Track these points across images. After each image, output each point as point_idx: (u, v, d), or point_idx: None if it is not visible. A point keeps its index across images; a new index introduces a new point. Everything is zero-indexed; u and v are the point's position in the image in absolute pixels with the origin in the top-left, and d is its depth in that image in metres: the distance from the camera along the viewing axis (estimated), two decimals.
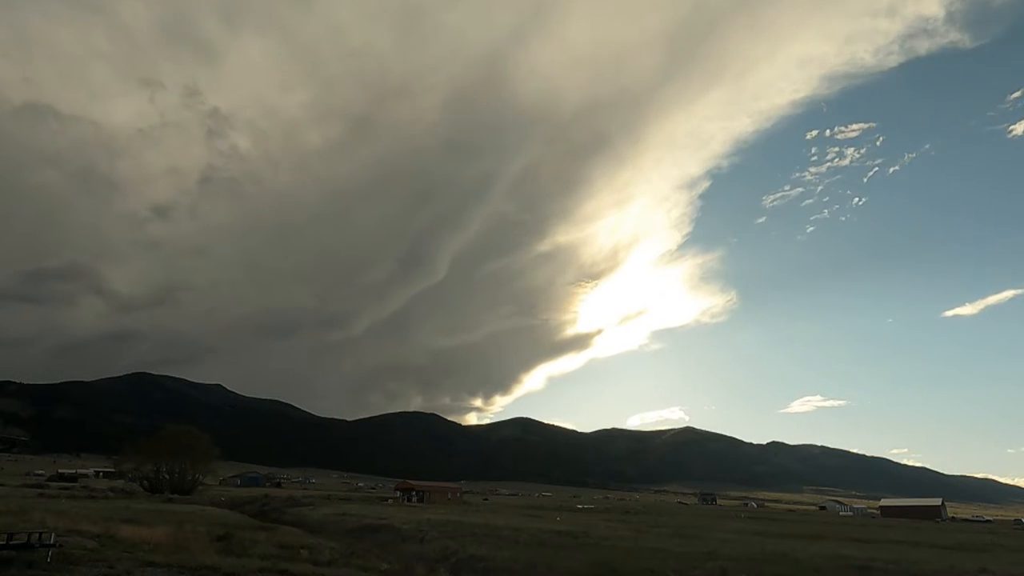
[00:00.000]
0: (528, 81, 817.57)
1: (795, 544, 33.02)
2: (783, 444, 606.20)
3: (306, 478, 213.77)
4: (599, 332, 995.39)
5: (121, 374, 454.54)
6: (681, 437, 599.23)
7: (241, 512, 44.81)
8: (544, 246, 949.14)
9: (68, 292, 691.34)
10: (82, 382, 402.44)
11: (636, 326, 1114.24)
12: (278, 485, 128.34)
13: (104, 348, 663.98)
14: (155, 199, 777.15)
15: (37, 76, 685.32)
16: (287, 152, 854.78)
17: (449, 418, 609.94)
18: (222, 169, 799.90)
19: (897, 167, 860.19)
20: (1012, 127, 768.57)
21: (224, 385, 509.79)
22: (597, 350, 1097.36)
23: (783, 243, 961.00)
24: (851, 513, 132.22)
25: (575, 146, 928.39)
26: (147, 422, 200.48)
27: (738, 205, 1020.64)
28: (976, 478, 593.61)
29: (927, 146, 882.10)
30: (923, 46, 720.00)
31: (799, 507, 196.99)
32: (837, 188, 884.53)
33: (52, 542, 14.57)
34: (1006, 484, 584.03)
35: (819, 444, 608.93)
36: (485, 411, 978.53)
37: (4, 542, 14.00)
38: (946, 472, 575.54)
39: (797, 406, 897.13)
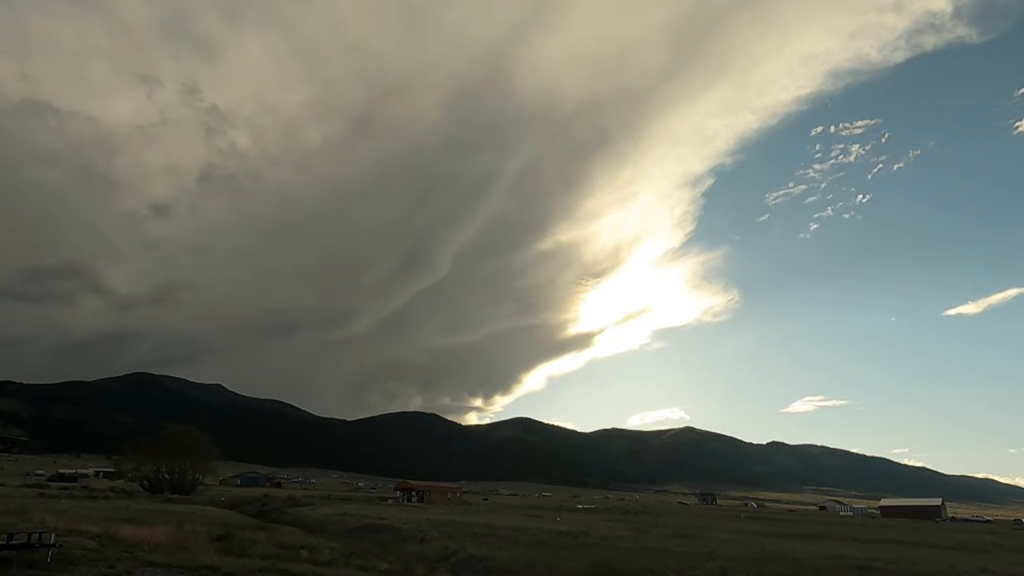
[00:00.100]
0: (529, 78, 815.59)
1: (795, 544, 33.01)
2: (783, 444, 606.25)
3: (306, 478, 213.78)
4: (600, 331, 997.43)
5: (121, 374, 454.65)
6: (681, 437, 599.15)
7: (241, 512, 44.81)
8: (545, 244, 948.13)
9: (67, 291, 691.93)
10: (82, 382, 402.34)
11: (637, 325, 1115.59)
12: (278, 485, 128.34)
13: (104, 348, 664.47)
14: (154, 197, 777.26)
15: (35, 72, 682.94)
16: (287, 150, 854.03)
17: (449, 418, 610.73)
18: (221, 167, 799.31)
19: (901, 164, 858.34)
20: (1018, 123, 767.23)
21: (224, 385, 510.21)
22: (598, 349, 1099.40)
23: (786, 241, 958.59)
24: (851, 513, 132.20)
25: (577, 143, 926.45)
26: (147, 422, 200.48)
27: (741, 203, 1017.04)
28: (976, 478, 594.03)
29: (932, 143, 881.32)
30: (930, 41, 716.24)
31: (799, 507, 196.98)
32: (841, 185, 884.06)
33: (52, 542, 14.57)
34: (1006, 484, 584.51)
35: (819, 444, 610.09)
36: (485, 411, 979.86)
37: (4, 542, 13.99)
38: (946, 472, 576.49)
39: (798, 406, 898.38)
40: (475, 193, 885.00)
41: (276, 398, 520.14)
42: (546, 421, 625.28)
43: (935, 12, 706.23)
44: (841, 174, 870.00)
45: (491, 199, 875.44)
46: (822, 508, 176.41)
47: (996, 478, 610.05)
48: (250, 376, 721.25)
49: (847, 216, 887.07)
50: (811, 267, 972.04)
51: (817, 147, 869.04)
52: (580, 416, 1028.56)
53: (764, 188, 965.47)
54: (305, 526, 37.68)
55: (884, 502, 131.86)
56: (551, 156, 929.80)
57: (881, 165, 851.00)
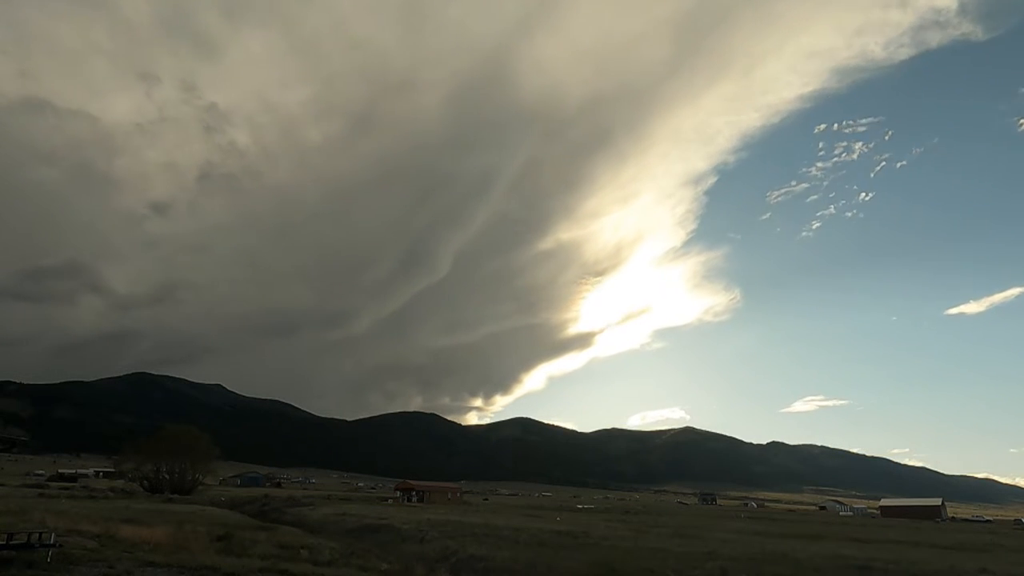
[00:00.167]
0: (532, 75, 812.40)
1: (795, 544, 33.01)
2: (783, 444, 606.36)
3: (306, 478, 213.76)
4: (601, 331, 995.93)
5: (121, 374, 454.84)
6: (681, 437, 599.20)
7: (241, 512, 44.81)
8: (546, 244, 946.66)
9: (67, 291, 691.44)
10: (82, 382, 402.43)
11: (638, 325, 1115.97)
12: (278, 485, 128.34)
13: (104, 348, 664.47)
14: (154, 196, 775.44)
15: (34, 70, 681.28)
16: (287, 148, 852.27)
17: (449, 418, 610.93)
18: (221, 165, 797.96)
19: (905, 162, 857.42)
20: (1022, 121, 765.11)
21: (224, 385, 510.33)
22: (599, 349, 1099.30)
23: (788, 240, 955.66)
24: (851, 513, 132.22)
25: (579, 142, 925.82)
26: (147, 422, 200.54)
27: (744, 201, 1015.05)
28: (976, 478, 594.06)
29: (936, 140, 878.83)
30: (934, 38, 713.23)
31: (799, 507, 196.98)
32: (844, 183, 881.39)
33: (52, 542, 14.58)
34: (1006, 484, 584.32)
35: (819, 444, 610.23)
36: (485, 411, 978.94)
37: (4, 542, 14.00)
38: (946, 472, 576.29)
39: (799, 405, 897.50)
40: (476, 192, 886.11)
41: (276, 398, 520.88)
42: (546, 421, 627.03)
43: (940, 8, 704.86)
44: (843, 172, 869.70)
45: (492, 198, 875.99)
46: (822, 508, 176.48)
47: (996, 478, 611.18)
48: (250, 376, 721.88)
49: (849, 214, 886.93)
50: (813, 266, 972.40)
51: (820, 145, 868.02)
52: (580, 416, 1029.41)
53: (766, 186, 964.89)
54: (305, 526, 37.68)
55: (884, 502, 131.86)
56: (553, 154, 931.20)
57: (884, 163, 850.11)
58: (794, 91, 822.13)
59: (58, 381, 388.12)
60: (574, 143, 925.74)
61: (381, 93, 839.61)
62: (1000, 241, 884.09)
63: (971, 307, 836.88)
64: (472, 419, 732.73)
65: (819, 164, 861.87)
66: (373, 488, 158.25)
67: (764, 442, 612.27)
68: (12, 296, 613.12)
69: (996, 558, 29.13)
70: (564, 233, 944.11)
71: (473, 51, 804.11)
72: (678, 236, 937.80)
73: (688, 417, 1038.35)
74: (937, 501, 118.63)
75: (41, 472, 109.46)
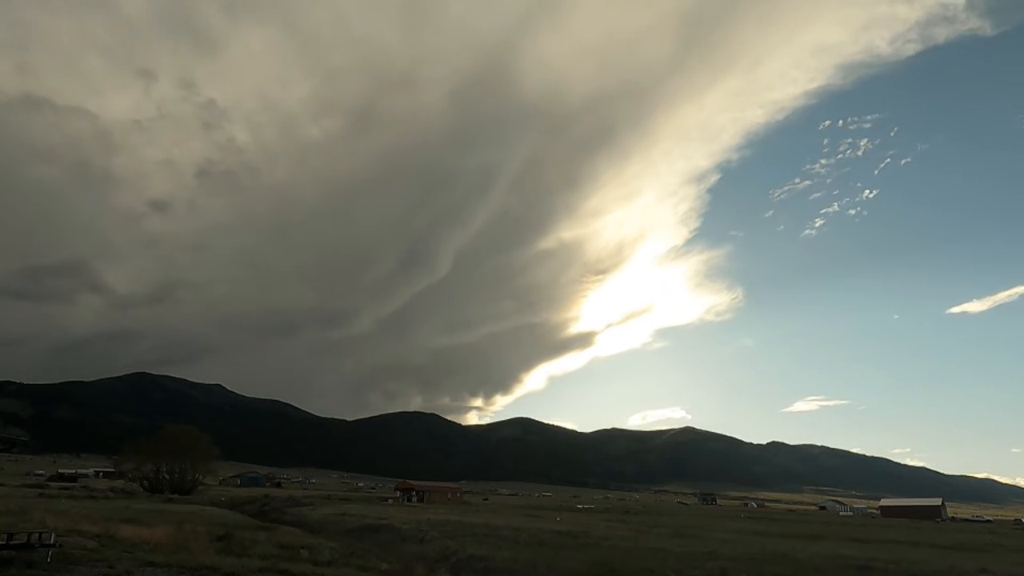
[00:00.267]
0: (534, 72, 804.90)
1: (795, 544, 33.02)
2: (783, 444, 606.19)
3: (306, 478, 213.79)
4: (602, 330, 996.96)
5: (121, 374, 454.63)
6: (681, 437, 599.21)
7: (241, 512, 44.82)
8: (548, 242, 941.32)
9: (66, 290, 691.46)
10: (82, 382, 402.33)
11: (640, 324, 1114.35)
12: (278, 485, 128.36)
13: (104, 347, 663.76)
14: (152, 194, 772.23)
15: (32, 67, 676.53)
16: (287, 146, 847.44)
17: (449, 418, 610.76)
18: (220, 163, 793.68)
19: (909, 159, 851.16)
20: None
21: (224, 385, 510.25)
22: (599, 348, 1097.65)
23: (792, 238, 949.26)
24: (851, 513, 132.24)
25: (581, 139, 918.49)
26: (147, 422, 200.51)
27: (747, 199, 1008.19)
28: (977, 478, 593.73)
29: (941, 137, 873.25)
30: (942, 34, 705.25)
31: (799, 507, 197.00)
32: (848, 180, 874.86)
33: (52, 542, 14.58)
34: (1006, 484, 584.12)
35: (819, 444, 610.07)
36: (485, 411, 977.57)
37: (4, 542, 14.00)
38: (946, 472, 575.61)
39: (800, 405, 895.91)
40: (477, 190, 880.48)
41: (276, 398, 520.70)
42: (546, 421, 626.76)
43: (947, 3, 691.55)
44: (848, 169, 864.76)
45: (493, 196, 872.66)
46: (822, 508, 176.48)
47: (996, 478, 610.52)
48: (250, 376, 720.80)
49: (853, 212, 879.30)
50: (815, 264, 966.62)
51: (825, 142, 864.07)
52: (580, 416, 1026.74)
53: (770, 184, 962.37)
54: (305, 526, 37.69)
55: (884, 502, 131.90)
56: (555, 152, 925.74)
57: (889, 160, 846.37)
58: (799, 87, 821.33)
59: (58, 381, 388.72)
60: (576, 140, 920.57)
61: (382, 90, 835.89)
62: (1005, 239, 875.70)
63: (974, 306, 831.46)
64: (472, 419, 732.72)
65: (823, 161, 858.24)
66: (373, 488, 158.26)
67: (764, 442, 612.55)
68: (11, 295, 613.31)
69: (996, 558, 29.13)
70: (566, 231, 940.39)
71: (475, 48, 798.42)
72: (680, 234, 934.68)
73: (689, 417, 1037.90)
74: (937, 501, 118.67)
75: (41, 472, 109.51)
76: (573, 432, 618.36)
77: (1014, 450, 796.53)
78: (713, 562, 22.89)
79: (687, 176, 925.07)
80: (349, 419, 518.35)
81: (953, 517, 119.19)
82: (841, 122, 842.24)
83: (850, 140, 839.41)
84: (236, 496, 69.85)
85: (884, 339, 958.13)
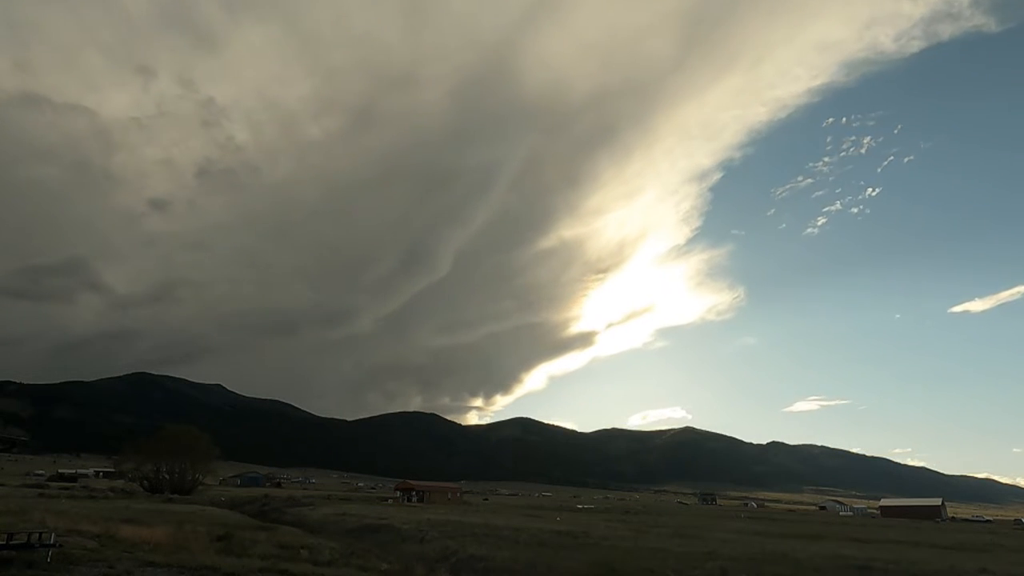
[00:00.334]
0: (535, 70, 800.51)
1: (795, 544, 33.02)
2: (783, 444, 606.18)
3: (306, 478, 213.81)
4: (603, 330, 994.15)
5: (121, 374, 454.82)
6: (681, 437, 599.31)
7: (241, 512, 44.82)
8: (549, 241, 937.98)
9: (66, 289, 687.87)
10: (82, 382, 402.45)
11: (641, 323, 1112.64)
12: (278, 485, 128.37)
13: (103, 347, 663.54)
14: (152, 193, 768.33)
15: (29, 63, 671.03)
16: (287, 144, 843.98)
17: (449, 418, 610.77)
18: (219, 161, 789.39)
19: (912, 156, 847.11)
20: None
21: (224, 385, 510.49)
22: (600, 348, 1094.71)
23: (794, 236, 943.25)
24: (851, 513, 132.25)
25: (582, 137, 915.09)
26: (147, 422, 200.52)
27: (749, 198, 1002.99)
28: (977, 478, 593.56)
29: (945, 134, 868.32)
30: (946, 31, 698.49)
31: (799, 507, 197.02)
32: (850, 178, 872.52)
33: (52, 542, 14.58)
34: (1006, 484, 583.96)
35: (819, 444, 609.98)
36: (485, 411, 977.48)
37: (4, 542, 14.00)
38: (947, 472, 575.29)
39: (801, 405, 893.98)
40: (477, 189, 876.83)
41: (276, 398, 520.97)
42: (546, 421, 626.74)
43: (952, 0, 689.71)
44: (850, 167, 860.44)
45: (494, 195, 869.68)
46: (822, 508, 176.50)
47: (997, 478, 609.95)
48: (250, 376, 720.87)
49: (855, 210, 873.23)
50: (817, 263, 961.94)
51: (828, 139, 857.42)
52: (581, 415, 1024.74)
53: (772, 182, 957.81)
54: (305, 526, 37.69)
55: (884, 502, 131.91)
56: (556, 150, 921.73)
57: (892, 157, 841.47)
58: (802, 85, 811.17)
59: (58, 381, 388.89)
60: (578, 139, 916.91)
61: (382, 89, 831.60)
62: (1008, 238, 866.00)
63: (976, 305, 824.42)
64: (472, 419, 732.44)
65: (826, 159, 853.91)
66: (373, 488, 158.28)
67: (764, 442, 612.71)
68: (11, 295, 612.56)
69: (996, 558, 29.13)
70: (566, 230, 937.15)
71: (476, 45, 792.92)
72: (682, 233, 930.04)
73: (689, 416, 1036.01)
74: (937, 501, 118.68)
75: (41, 472, 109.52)
76: (573, 432, 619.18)
77: (1015, 450, 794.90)
78: (713, 562, 22.89)
79: (689, 174, 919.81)
80: (349, 419, 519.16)
81: (953, 517, 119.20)
82: (844, 119, 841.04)
83: (853, 138, 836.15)
84: (236, 496, 69.85)
85: (885, 338, 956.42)
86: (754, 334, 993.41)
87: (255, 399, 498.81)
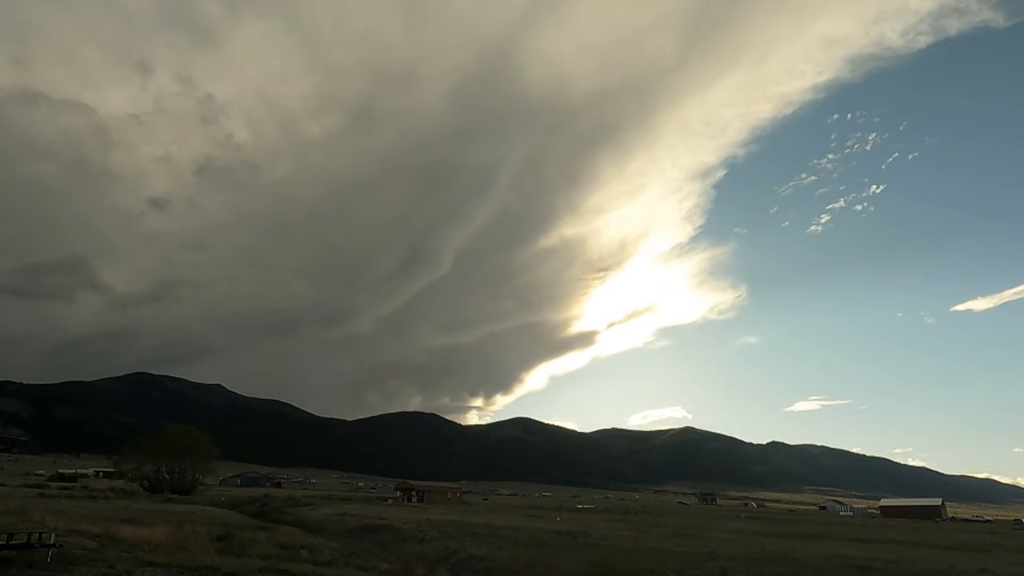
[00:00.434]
0: (536, 68, 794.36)
1: (795, 544, 33.02)
2: (783, 444, 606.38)
3: (306, 478, 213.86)
4: (604, 329, 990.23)
5: (121, 374, 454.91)
6: (681, 437, 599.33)
7: (241, 512, 44.83)
8: (550, 240, 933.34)
9: (65, 288, 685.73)
10: (82, 382, 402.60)
11: (642, 323, 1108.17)
12: (278, 485, 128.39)
13: (103, 346, 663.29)
14: (151, 191, 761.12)
15: (29, 60, 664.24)
16: (287, 143, 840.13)
17: (449, 418, 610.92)
18: (218, 159, 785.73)
19: (917, 153, 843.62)
20: None
21: (224, 385, 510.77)
22: (601, 348, 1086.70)
23: (797, 234, 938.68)
24: (851, 513, 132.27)
25: (584, 135, 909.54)
26: (147, 422, 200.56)
27: (753, 195, 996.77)
28: (977, 478, 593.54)
29: (950, 131, 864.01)
30: (954, 25, 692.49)
31: (799, 507, 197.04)
32: (854, 175, 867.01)
33: (52, 542, 14.59)
34: (1006, 484, 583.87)
35: (819, 444, 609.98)
36: (485, 411, 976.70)
37: (4, 542, 14.00)
38: (946, 472, 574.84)
39: (802, 405, 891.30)
40: (478, 188, 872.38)
41: (276, 398, 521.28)
42: (546, 421, 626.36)
43: None
44: (854, 163, 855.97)
45: (495, 193, 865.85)
46: (822, 508, 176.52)
47: (997, 478, 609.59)
48: (250, 376, 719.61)
49: (859, 207, 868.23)
50: (820, 261, 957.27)
51: (832, 136, 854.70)
52: (581, 415, 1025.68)
53: (776, 180, 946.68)
54: (305, 526, 37.69)
55: (884, 502, 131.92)
56: (557, 148, 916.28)
57: (897, 154, 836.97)
58: (807, 81, 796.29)
59: (58, 381, 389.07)
60: (579, 137, 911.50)
61: (382, 87, 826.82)
62: (1014, 236, 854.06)
63: (979, 304, 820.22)
64: (472, 419, 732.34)
65: (830, 156, 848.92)
66: (373, 488, 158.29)
67: (764, 442, 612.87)
68: (10, 294, 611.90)
69: (996, 558, 29.13)
70: (567, 229, 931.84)
71: (477, 43, 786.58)
72: (685, 231, 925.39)
73: (690, 416, 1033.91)
74: (937, 501, 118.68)
75: (41, 472, 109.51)
76: (573, 432, 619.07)
77: (1016, 450, 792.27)
78: (713, 562, 22.89)
79: (692, 172, 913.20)
80: (349, 419, 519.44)
81: (953, 517, 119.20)
82: (850, 115, 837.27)
83: (858, 134, 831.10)
84: (236, 496, 69.85)
85: (887, 337, 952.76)
86: (755, 333, 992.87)
87: (255, 399, 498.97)
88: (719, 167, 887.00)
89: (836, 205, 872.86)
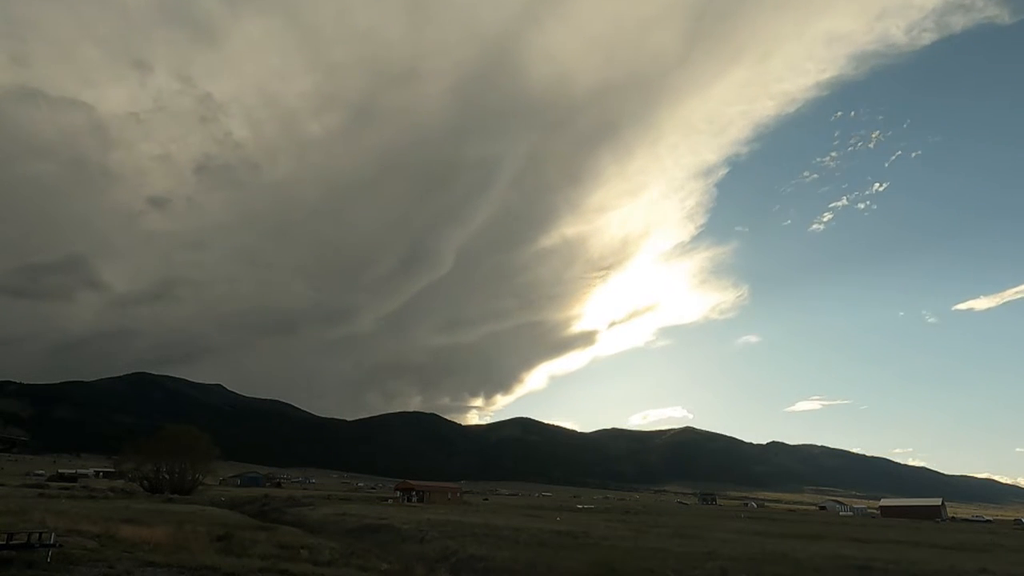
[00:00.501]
0: (538, 65, 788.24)
1: (795, 544, 33.02)
2: (783, 444, 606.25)
3: (306, 478, 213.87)
4: (605, 328, 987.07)
5: (121, 374, 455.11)
6: (681, 437, 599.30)
7: (241, 512, 44.83)
8: (551, 239, 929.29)
9: (64, 287, 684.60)
10: (82, 382, 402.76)
11: (643, 322, 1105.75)
12: (278, 485, 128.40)
13: (103, 346, 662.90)
14: (150, 190, 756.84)
15: (27, 57, 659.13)
16: (287, 141, 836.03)
17: (449, 418, 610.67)
18: (218, 157, 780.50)
19: (920, 151, 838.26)
20: None
21: (224, 385, 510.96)
22: (601, 347, 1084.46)
23: (799, 233, 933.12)
24: (851, 513, 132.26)
25: (585, 133, 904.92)
26: (147, 422, 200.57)
27: (756, 194, 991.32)
28: (977, 478, 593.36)
29: (954, 129, 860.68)
30: (959, 22, 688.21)
31: (799, 507, 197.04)
32: (857, 173, 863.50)
33: (52, 542, 14.58)
34: (1006, 484, 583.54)
35: (819, 444, 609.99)
36: (485, 411, 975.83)
37: (4, 542, 14.00)
38: (947, 472, 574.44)
39: (803, 404, 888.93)
40: (479, 186, 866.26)
41: (276, 398, 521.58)
42: (546, 421, 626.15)
43: None
44: (857, 161, 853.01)
45: (495, 192, 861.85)
46: (822, 508, 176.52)
47: (997, 478, 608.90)
48: (250, 376, 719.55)
49: (862, 206, 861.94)
50: (822, 260, 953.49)
51: (836, 134, 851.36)
52: (581, 415, 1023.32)
53: (779, 178, 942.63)
54: (305, 526, 37.70)
55: (884, 502, 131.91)
56: (558, 146, 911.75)
57: (900, 152, 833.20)
58: (811, 78, 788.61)
59: (58, 381, 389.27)
60: (581, 134, 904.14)
61: (383, 84, 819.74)
62: (1017, 235, 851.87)
63: (981, 303, 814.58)
64: (472, 419, 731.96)
65: (833, 154, 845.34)
66: (373, 488, 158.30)
67: (764, 442, 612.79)
68: (9, 293, 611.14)
69: (996, 558, 29.13)
70: (569, 228, 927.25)
71: (478, 40, 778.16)
72: (687, 230, 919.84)
73: (690, 416, 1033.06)
74: (937, 501, 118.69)
75: (41, 472, 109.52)
76: (573, 432, 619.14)
77: (1017, 450, 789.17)
78: (713, 562, 22.89)
79: (694, 170, 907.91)
80: (349, 419, 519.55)
81: (953, 517, 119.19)
82: (853, 113, 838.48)
83: (862, 132, 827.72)
84: (236, 496, 69.85)
85: (888, 337, 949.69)
86: (756, 333, 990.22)
87: (255, 399, 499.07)
88: (721, 165, 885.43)
89: (839, 203, 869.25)
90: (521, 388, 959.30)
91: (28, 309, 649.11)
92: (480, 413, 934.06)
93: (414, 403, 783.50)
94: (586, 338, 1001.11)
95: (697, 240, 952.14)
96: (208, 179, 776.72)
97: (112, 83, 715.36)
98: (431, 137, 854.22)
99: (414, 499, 79.81)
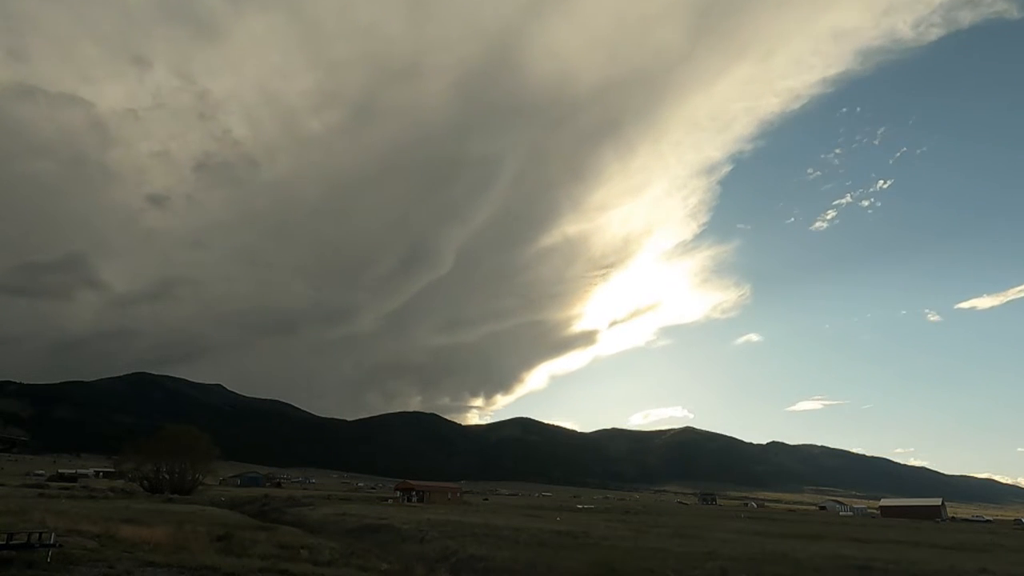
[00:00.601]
0: (540, 62, 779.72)
1: (795, 544, 33.02)
2: (783, 444, 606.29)
3: (306, 478, 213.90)
4: (606, 328, 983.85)
5: (121, 374, 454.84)
6: (681, 437, 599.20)
7: (241, 512, 44.84)
8: (552, 237, 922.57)
9: (64, 287, 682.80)
10: (82, 382, 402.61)
11: (644, 322, 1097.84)
12: (278, 485, 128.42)
13: (102, 346, 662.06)
14: (150, 188, 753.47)
15: (26, 53, 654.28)
16: (287, 139, 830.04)
17: (449, 418, 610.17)
18: (217, 155, 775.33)
19: (926, 148, 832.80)
20: None
21: (224, 385, 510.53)
22: (602, 347, 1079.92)
23: (802, 231, 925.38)
24: (851, 513, 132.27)
25: (587, 130, 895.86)
26: (147, 422, 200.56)
27: (760, 192, 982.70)
28: (977, 478, 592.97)
29: (960, 126, 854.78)
30: (966, 17, 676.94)
31: (799, 507, 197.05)
32: (861, 170, 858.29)
33: (52, 542, 14.59)
34: (1007, 484, 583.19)
35: (819, 444, 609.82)
36: (485, 411, 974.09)
37: (4, 542, 14.01)
38: (947, 472, 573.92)
39: (804, 404, 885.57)
40: (480, 184, 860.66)
41: (276, 398, 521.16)
42: (546, 421, 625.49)
43: None
44: (861, 158, 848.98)
45: (496, 190, 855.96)
46: (822, 508, 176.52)
47: (997, 478, 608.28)
48: (250, 376, 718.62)
49: (866, 203, 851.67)
50: (824, 259, 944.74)
51: (841, 131, 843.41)
52: (582, 415, 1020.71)
53: (783, 175, 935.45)
54: (305, 526, 37.71)
55: (884, 502, 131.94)
56: (560, 144, 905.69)
57: (905, 148, 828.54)
58: (816, 74, 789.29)
59: (58, 381, 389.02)
60: (583, 132, 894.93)
61: (384, 82, 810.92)
62: (1021, 234, 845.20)
63: (984, 301, 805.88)
64: (472, 419, 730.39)
65: (838, 151, 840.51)
66: (373, 488, 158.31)
67: (764, 442, 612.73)
68: (9, 292, 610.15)
69: (996, 558, 29.14)
70: (570, 226, 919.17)
71: (480, 36, 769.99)
72: (689, 228, 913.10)
73: (691, 416, 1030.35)
74: (937, 501, 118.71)
75: (41, 472, 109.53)
76: (573, 432, 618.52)
77: (1018, 450, 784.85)
78: (713, 562, 22.89)
79: (697, 168, 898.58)
80: (349, 419, 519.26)
81: (953, 517, 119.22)
82: (859, 109, 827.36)
83: (866, 128, 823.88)
84: (236, 496, 69.87)
85: (890, 335, 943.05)
86: (758, 332, 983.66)
87: (255, 399, 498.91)
88: (725, 163, 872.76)
89: (842, 201, 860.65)
90: (521, 388, 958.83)
91: (27, 308, 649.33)
92: (480, 413, 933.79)
93: (414, 403, 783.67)
94: (587, 337, 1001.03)
95: (699, 239, 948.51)
96: (207, 177, 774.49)
97: (111, 79, 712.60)
98: (432, 135, 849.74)
99: (414, 499, 79.82)
